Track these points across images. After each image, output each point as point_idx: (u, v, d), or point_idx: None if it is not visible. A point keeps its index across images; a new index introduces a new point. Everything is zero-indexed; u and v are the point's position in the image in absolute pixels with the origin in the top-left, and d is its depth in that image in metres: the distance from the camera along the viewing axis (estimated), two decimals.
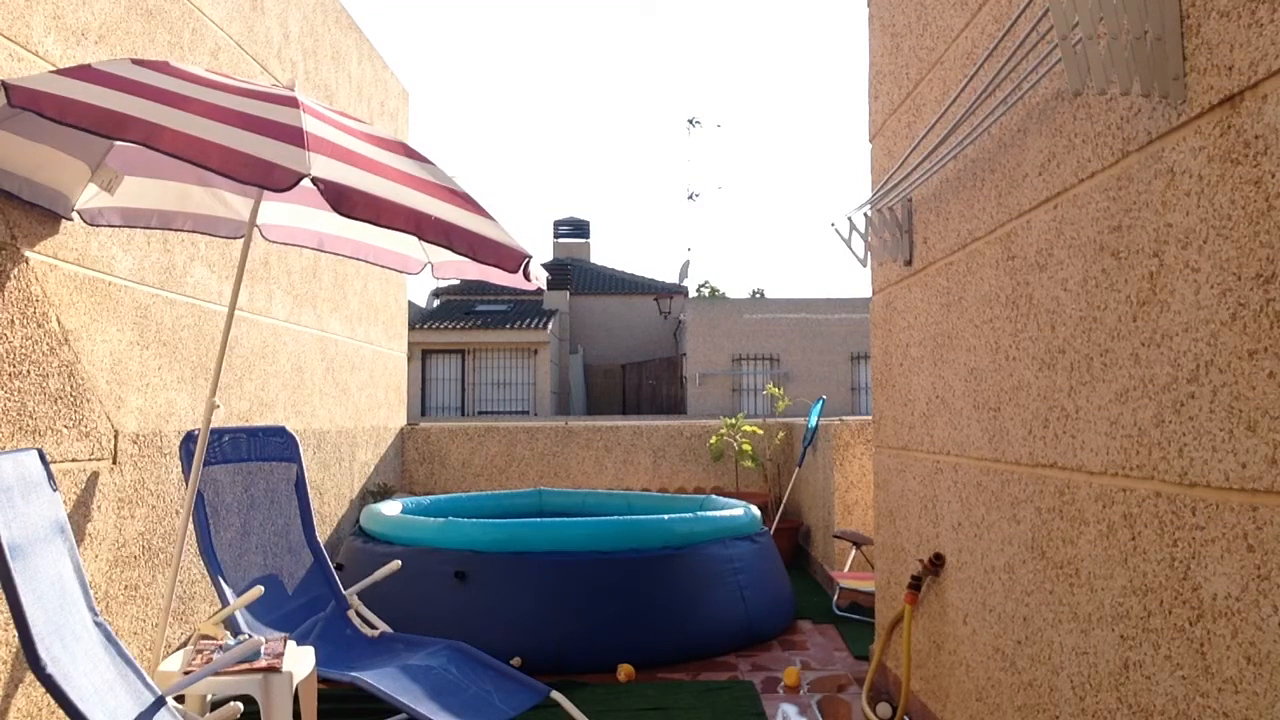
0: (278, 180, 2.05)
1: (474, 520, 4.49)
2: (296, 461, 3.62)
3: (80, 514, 2.92)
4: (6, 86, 2.09)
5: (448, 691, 2.98)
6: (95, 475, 3.00)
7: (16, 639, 2.08)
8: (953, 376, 2.86)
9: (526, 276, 2.54)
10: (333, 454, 5.60)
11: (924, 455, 3.16)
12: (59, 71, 2.25)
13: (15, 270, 2.62)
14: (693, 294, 27.37)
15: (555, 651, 4.00)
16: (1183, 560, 1.61)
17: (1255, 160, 1.42)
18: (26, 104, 2.06)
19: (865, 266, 3.76)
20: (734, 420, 7.33)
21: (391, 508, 5.16)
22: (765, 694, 3.71)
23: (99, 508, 3.02)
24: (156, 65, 2.39)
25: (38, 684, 2.11)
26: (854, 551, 5.40)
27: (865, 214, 3.55)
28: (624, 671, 3.89)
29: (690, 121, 42.69)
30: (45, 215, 2.77)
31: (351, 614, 3.51)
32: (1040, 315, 2.21)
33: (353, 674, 2.90)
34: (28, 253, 2.68)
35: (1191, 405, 1.59)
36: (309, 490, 3.65)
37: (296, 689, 2.67)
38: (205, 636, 2.74)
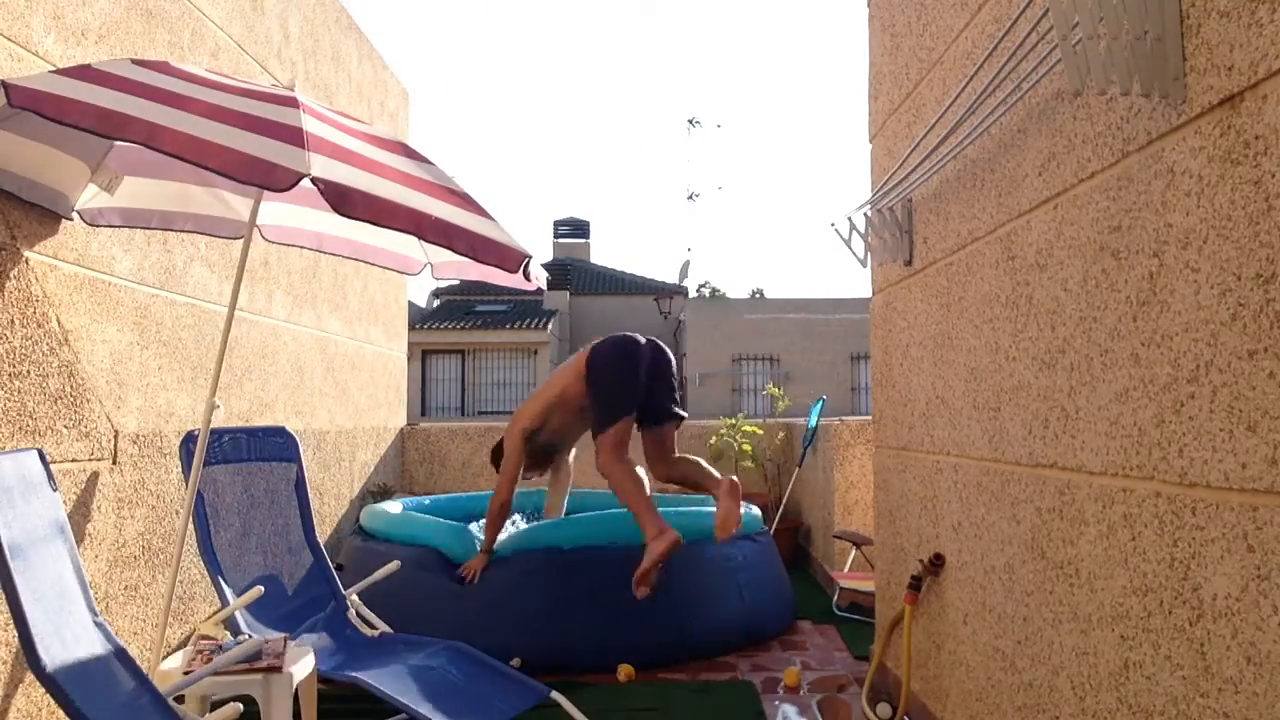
0: (278, 180, 2.05)
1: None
2: (296, 462, 3.62)
3: (80, 514, 2.92)
4: (6, 86, 2.09)
5: (448, 692, 2.98)
6: (95, 475, 3.00)
7: (16, 639, 2.08)
8: (952, 376, 2.86)
9: (527, 276, 2.54)
10: (333, 454, 5.60)
11: (924, 455, 3.16)
12: (59, 71, 2.25)
13: (15, 270, 2.62)
14: (693, 294, 27.39)
15: (555, 651, 3.99)
16: (1183, 560, 1.61)
17: (1255, 160, 1.42)
18: (26, 104, 2.06)
19: (865, 267, 3.76)
20: (734, 420, 7.32)
21: (392, 507, 5.16)
22: (765, 694, 3.71)
23: (99, 508, 3.02)
24: (156, 65, 2.39)
25: (38, 684, 2.12)
26: (854, 551, 5.40)
27: (865, 214, 3.55)
28: (624, 671, 3.88)
29: (690, 121, 42.87)
30: (45, 215, 2.77)
31: (351, 614, 3.51)
32: (1040, 315, 2.21)
33: (353, 674, 2.90)
34: (28, 253, 2.68)
35: (1191, 405, 1.59)
36: (309, 490, 3.65)
37: (296, 689, 2.67)
38: (205, 636, 2.74)
